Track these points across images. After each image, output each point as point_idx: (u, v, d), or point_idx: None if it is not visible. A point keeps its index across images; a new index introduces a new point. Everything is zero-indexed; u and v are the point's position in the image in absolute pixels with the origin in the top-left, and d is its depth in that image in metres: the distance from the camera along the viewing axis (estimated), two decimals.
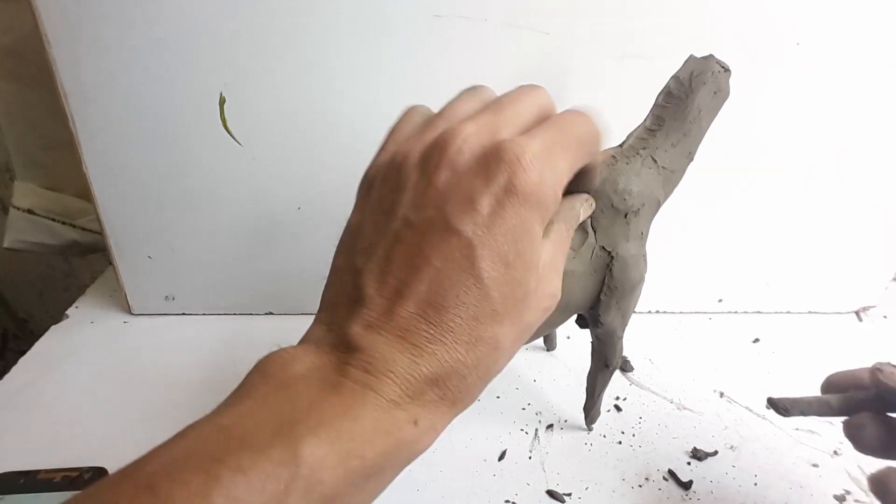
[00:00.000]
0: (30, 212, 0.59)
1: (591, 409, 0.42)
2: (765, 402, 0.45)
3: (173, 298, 0.54)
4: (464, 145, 0.21)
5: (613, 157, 0.33)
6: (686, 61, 0.33)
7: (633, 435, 0.42)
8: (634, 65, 0.43)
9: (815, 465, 0.40)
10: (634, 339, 0.51)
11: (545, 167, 0.21)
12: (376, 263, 0.21)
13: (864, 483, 0.39)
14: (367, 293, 0.21)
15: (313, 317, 0.23)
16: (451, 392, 0.21)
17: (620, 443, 0.42)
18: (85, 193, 0.50)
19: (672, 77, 0.33)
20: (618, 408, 0.45)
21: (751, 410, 0.45)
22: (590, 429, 0.43)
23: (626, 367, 0.49)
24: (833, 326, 0.54)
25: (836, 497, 0.38)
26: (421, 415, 0.20)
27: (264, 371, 0.20)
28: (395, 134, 0.25)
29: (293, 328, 0.51)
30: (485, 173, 0.21)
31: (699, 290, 0.55)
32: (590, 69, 0.44)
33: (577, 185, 0.25)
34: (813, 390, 0.46)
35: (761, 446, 0.42)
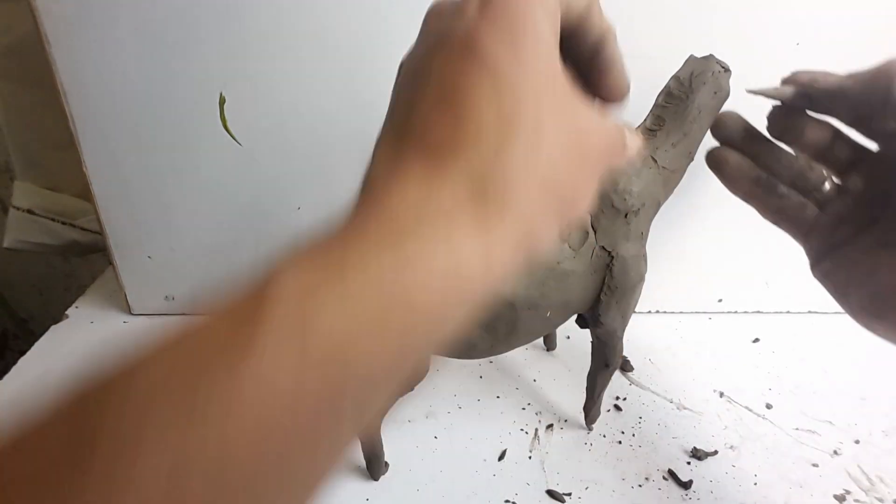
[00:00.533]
0: (30, 212, 0.59)
1: (591, 409, 0.42)
2: (765, 404, 0.45)
3: (173, 298, 0.54)
4: None
5: None
6: (686, 61, 0.33)
7: (633, 435, 0.42)
8: (634, 65, 0.43)
9: (815, 465, 0.40)
10: (634, 339, 0.51)
11: None
12: None
13: (865, 483, 0.39)
14: None
15: None
16: None
17: (620, 443, 0.42)
18: (85, 193, 0.50)
19: (672, 77, 0.33)
20: (618, 408, 0.45)
21: (751, 410, 0.45)
22: (590, 429, 0.43)
23: (626, 367, 0.49)
24: (833, 326, 0.54)
25: (836, 497, 0.38)
26: None
27: None
28: None
29: None
30: None
31: (699, 290, 0.55)
32: None
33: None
34: (813, 390, 0.46)
35: (761, 446, 0.42)
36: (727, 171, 0.31)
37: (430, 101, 0.18)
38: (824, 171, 0.31)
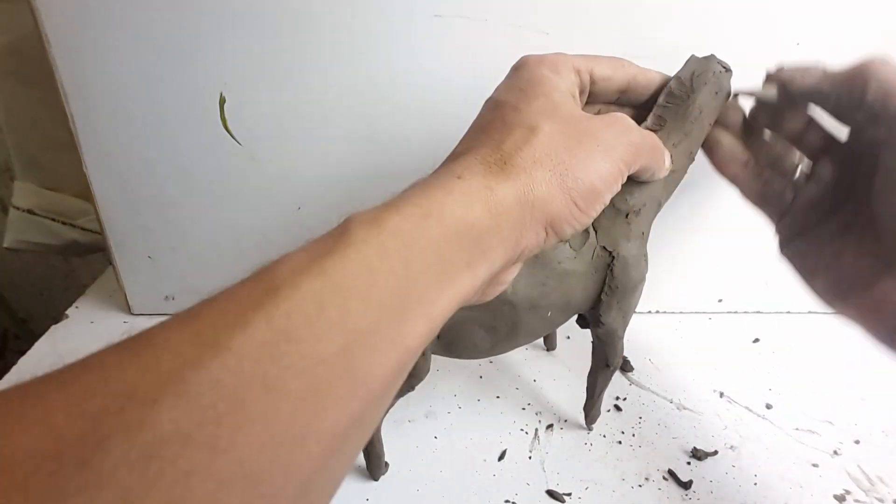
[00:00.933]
0: (30, 212, 0.59)
1: (591, 409, 0.42)
2: (765, 404, 0.45)
3: (173, 298, 0.54)
4: None
5: None
6: (687, 61, 0.33)
7: (633, 435, 0.42)
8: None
9: (815, 465, 0.40)
10: (634, 339, 0.51)
11: None
12: None
13: (865, 483, 0.39)
14: None
15: None
16: None
17: (620, 443, 0.42)
18: (85, 193, 0.50)
19: (673, 77, 0.33)
20: (618, 408, 0.45)
21: (751, 410, 0.45)
22: (590, 429, 0.43)
23: (626, 367, 0.49)
24: (833, 326, 0.54)
25: (836, 497, 0.38)
26: None
27: None
28: None
29: None
30: None
31: (699, 290, 0.55)
32: None
33: None
34: (813, 390, 0.46)
35: (761, 446, 0.42)
36: (720, 154, 0.34)
37: (468, 133, 0.27)
38: (798, 158, 0.34)
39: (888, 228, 0.28)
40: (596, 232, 0.33)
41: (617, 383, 0.47)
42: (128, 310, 0.55)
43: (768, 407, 0.45)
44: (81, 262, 0.80)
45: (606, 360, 0.38)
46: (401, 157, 0.46)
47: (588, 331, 0.38)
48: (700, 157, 0.35)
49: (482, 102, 0.29)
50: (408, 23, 0.42)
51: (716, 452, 0.41)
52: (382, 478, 0.39)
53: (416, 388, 0.35)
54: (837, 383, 0.47)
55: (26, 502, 0.13)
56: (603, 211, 0.33)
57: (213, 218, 0.50)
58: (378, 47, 0.43)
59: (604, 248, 0.33)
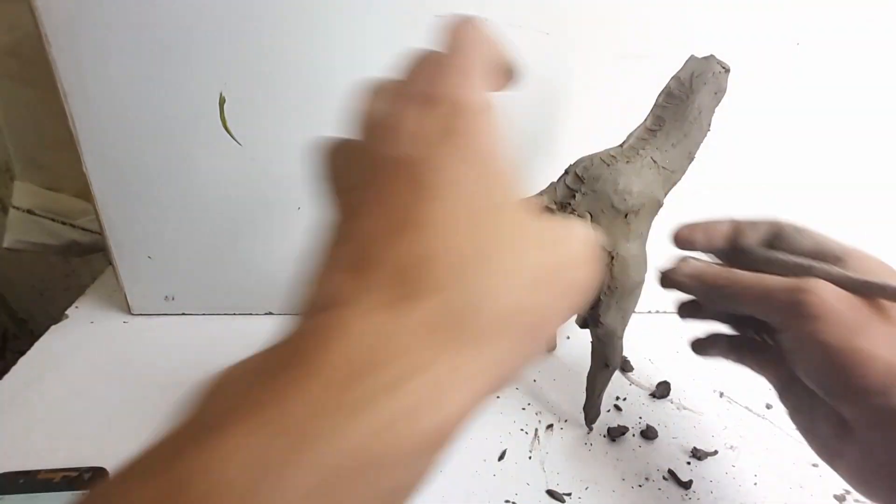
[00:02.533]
0: (30, 212, 0.59)
1: (590, 409, 0.42)
2: (765, 404, 0.45)
3: (173, 298, 0.54)
4: None
5: (613, 156, 0.33)
6: (687, 61, 0.33)
7: (633, 435, 0.42)
8: (634, 65, 0.43)
9: (815, 465, 0.40)
10: (634, 339, 0.51)
11: None
12: None
13: None
14: None
15: None
16: None
17: (621, 443, 0.42)
18: (85, 193, 0.50)
19: (673, 77, 0.33)
20: (618, 408, 0.45)
21: (751, 410, 0.45)
22: (590, 429, 0.43)
23: (626, 367, 0.49)
24: None
25: (836, 497, 0.38)
26: None
27: None
28: None
29: None
30: None
31: None
32: (590, 69, 0.44)
33: None
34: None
35: (761, 446, 0.42)
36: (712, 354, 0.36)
37: (396, 233, 0.17)
38: None
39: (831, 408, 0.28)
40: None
41: (617, 383, 0.47)
42: (128, 310, 0.55)
43: (768, 407, 0.45)
44: (81, 262, 0.80)
45: (606, 360, 0.38)
46: None
47: (588, 331, 0.38)
48: (699, 154, 0.35)
49: None
50: (408, 23, 0.42)
51: (716, 452, 0.41)
52: None
53: None
54: None
55: None
56: (602, 211, 0.33)
57: (212, 218, 0.50)
58: (378, 47, 0.43)
59: (603, 248, 0.33)
